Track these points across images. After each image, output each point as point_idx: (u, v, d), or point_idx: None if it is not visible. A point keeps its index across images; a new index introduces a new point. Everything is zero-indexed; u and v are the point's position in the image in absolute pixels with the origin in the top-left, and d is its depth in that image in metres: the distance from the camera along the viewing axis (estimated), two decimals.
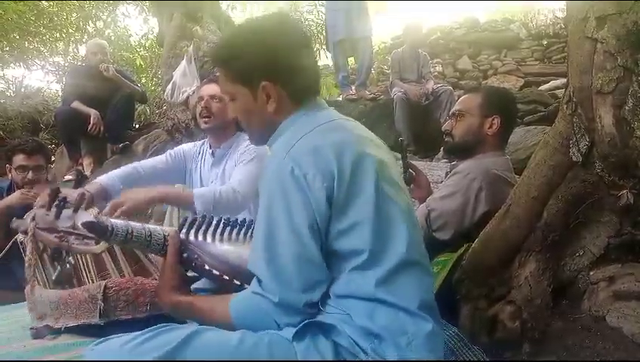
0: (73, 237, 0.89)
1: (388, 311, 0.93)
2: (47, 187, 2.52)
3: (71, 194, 1.70)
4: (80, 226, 0.91)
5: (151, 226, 1.14)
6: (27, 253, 0.84)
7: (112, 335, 0.91)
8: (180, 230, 1.17)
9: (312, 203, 0.93)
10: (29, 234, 0.83)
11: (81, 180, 3.83)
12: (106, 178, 1.93)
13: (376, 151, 1.04)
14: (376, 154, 1.02)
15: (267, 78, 1.04)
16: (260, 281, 0.96)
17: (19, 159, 2.63)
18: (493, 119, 1.81)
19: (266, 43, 1.04)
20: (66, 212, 0.92)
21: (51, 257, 0.95)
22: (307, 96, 1.10)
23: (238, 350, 0.88)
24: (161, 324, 0.92)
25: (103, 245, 0.92)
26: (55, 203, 0.89)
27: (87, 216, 0.94)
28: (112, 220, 1.00)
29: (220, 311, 1.01)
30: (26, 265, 0.85)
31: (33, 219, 0.86)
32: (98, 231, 0.96)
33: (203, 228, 1.21)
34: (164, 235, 1.13)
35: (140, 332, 0.88)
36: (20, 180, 2.62)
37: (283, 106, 1.07)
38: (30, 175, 2.59)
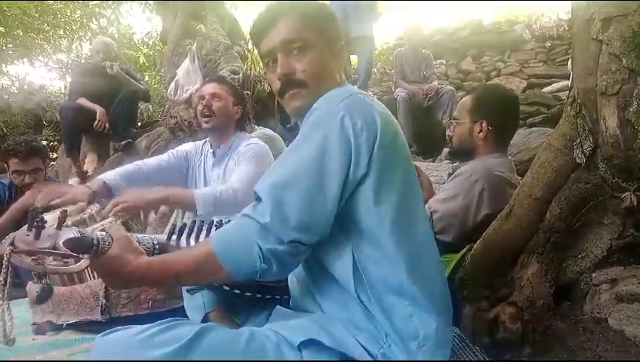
0: (51, 257, 0.85)
1: (405, 310, 0.92)
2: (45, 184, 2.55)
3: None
4: (61, 246, 0.85)
5: (139, 235, 1.09)
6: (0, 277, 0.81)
7: (119, 327, 0.89)
8: (170, 238, 1.14)
9: (352, 153, 0.89)
10: (5, 259, 0.81)
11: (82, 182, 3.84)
12: (110, 175, 1.93)
13: None
14: None
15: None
16: (255, 205, 0.91)
17: (13, 163, 2.61)
18: (481, 123, 1.79)
19: None
20: (48, 230, 0.88)
21: (37, 275, 0.91)
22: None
23: (248, 349, 0.87)
24: (169, 319, 0.90)
25: (84, 263, 0.89)
26: (34, 223, 0.85)
27: (69, 232, 0.90)
28: (97, 233, 0.94)
29: (200, 246, 0.97)
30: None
31: (12, 243, 0.83)
32: (82, 246, 0.90)
33: (194, 233, 1.17)
34: (153, 243, 1.09)
35: (148, 325, 0.87)
36: (18, 183, 2.61)
37: (343, 73, 1.13)
38: (27, 178, 2.58)
